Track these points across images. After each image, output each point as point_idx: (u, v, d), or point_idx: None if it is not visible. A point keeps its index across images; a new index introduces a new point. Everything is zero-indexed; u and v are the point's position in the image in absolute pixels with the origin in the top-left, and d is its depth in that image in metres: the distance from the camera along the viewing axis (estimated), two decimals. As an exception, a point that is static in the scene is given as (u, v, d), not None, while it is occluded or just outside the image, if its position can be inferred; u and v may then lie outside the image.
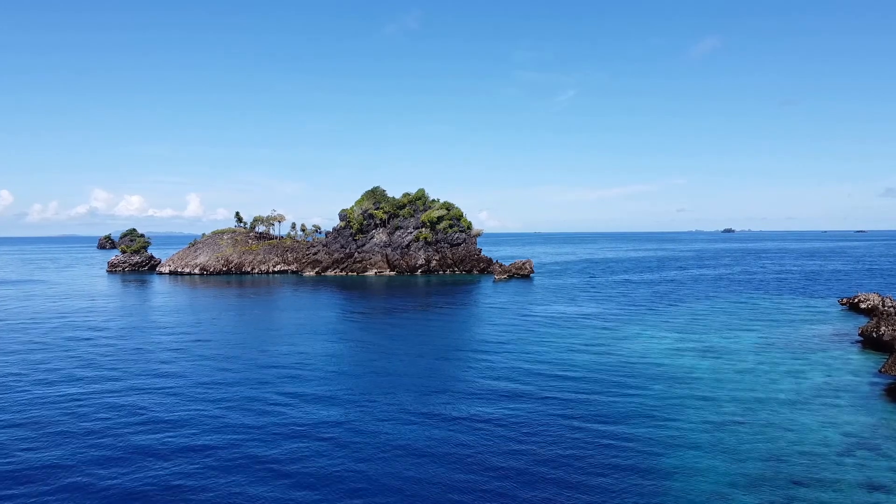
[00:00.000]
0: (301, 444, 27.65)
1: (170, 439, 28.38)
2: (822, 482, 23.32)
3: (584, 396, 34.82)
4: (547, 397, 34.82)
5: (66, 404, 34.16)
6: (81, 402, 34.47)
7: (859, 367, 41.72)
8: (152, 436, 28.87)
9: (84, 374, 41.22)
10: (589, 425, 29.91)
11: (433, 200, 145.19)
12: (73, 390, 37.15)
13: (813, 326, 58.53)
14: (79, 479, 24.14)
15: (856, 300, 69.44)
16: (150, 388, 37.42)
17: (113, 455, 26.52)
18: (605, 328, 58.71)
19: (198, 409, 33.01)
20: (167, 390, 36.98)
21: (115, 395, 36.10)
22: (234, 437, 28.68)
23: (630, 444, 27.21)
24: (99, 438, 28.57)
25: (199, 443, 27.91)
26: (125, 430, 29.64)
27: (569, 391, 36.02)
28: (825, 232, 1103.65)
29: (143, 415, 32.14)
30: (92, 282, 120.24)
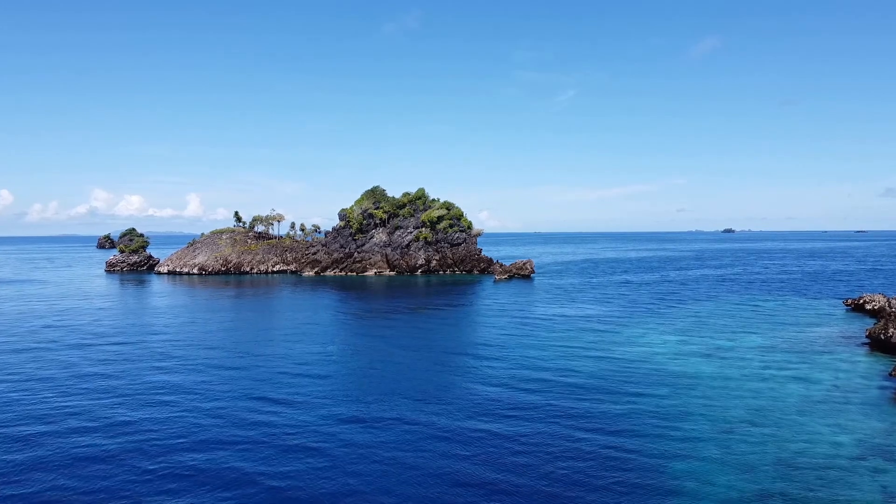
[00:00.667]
0: (286, 454, 26.63)
1: (145, 449, 27.25)
2: (836, 491, 22.32)
3: (586, 404, 33.76)
4: (546, 405, 33.79)
5: (40, 411, 33.06)
6: (57, 408, 33.38)
7: (868, 370, 40.72)
8: (128, 444, 27.82)
9: (66, 378, 40.13)
10: (590, 435, 28.87)
11: (433, 200, 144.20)
12: (51, 394, 36.01)
13: (818, 328, 57.53)
14: (44, 486, 23.13)
15: (861, 301, 68.44)
16: (131, 394, 36.35)
17: (84, 465, 25.45)
18: (606, 330, 57.70)
19: (179, 417, 31.96)
20: (149, 397, 35.88)
21: (94, 401, 34.92)
22: (216, 446, 27.61)
23: (633, 456, 26.13)
24: (70, 448, 27.41)
25: (176, 452, 26.88)
26: (100, 439, 28.50)
27: (569, 398, 34.99)
28: (825, 232, 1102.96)
29: (120, 423, 30.98)
30: (88, 281, 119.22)
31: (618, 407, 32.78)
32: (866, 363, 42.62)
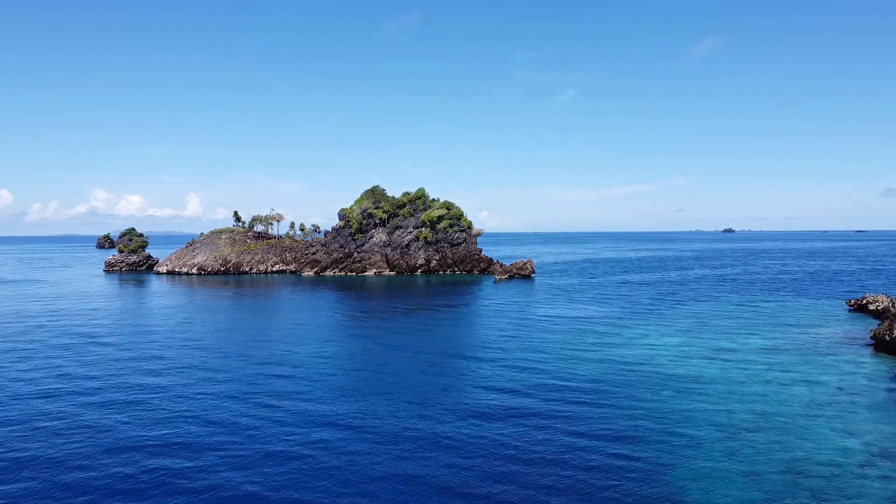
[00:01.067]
0: (274, 460, 25.89)
1: (129, 453, 26.49)
2: (844, 497, 21.60)
3: (588, 409, 32.95)
4: (547, 410, 33.01)
5: (26, 414, 32.33)
6: (41, 411, 32.62)
7: (874, 371, 39.99)
8: (113, 448, 27.05)
9: (53, 380, 39.36)
10: (589, 441, 28.08)
11: (433, 200, 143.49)
12: (36, 397, 35.21)
13: (822, 329, 56.78)
14: (26, 492, 22.40)
15: (864, 301, 67.70)
16: (121, 399, 35.51)
17: (66, 470, 24.68)
18: (607, 332, 56.97)
19: (167, 420, 31.19)
20: (138, 399, 35.12)
21: (83, 405, 34.10)
22: (204, 450, 26.85)
23: (634, 463, 25.34)
24: (51, 451, 26.64)
25: (161, 456, 26.14)
26: (83, 442, 27.74)
27: (570, 402, 34.20)
28: (825, 232, 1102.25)
29: (104, 426, 30.19)
30: (86, 282, 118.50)
31: (618, 411, 32.04)
32: (872, 365, 41.89)
